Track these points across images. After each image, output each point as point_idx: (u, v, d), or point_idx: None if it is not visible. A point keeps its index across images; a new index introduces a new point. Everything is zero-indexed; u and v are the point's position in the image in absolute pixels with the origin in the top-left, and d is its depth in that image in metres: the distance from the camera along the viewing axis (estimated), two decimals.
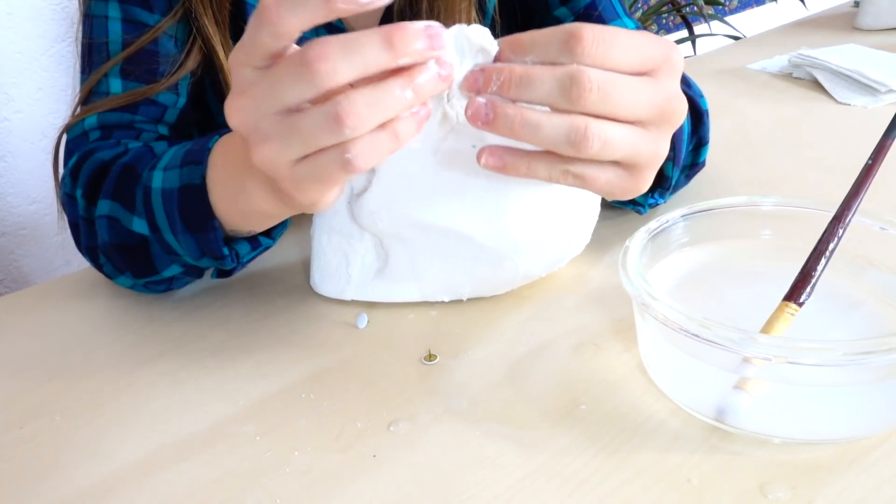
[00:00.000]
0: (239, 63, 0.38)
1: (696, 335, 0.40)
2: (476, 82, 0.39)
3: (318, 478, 0.42)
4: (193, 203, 0.50)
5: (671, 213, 0.51)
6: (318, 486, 0.42)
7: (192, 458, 0.44)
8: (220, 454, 0.45)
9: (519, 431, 0.44)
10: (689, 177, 0.67)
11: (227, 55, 0.64)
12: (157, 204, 0.52)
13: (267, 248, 0.57)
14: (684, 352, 0.43)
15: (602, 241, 0.62)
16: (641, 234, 0.48)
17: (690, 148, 0.64)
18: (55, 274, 1.39)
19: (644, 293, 0.43)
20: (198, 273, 0.58)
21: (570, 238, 0.54)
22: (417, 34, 0.35)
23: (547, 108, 0.39)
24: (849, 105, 0.90)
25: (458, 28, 0.40)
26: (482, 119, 0.39)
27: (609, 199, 0.46)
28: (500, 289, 0.56)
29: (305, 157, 0.38)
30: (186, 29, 0.65)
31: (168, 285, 0.59)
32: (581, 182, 0.41)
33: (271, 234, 0.56)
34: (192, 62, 0.65)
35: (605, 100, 0.38)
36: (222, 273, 0.57)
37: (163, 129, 0.65)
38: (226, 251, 0.52)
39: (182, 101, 0.66)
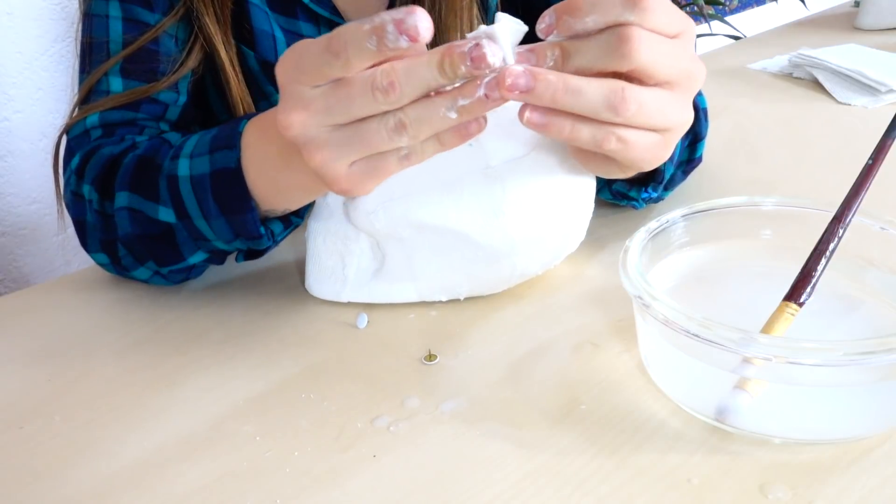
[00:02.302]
0: (296, 81, 0.41)
1: (697, 335, 0.40)
2: (529, 61, 0.41)
3: (318, 478, 0.42)
4: (229, 187, 0.51)
5: (671, 213, 0.51)
6: (318, 486, 0.42)
7: (192, 458, 0.44)
8: (220, 454, 0.45)
9: (519, 431, 0.44)
10: (686, 172, 0.67)
11: (228, 54, 0.65)
12: (185, 191, 0.53)
13: (297, 226, 0.58)
14: (684, 352, 0.43)
15: (601, 241, 0.62)
16: (641, 234, 0.48)
17: (686, 144, 0.64)
18: (55, 274, 1.39)
19: (644, 293, 0.43)
20: (221, 259, 0.59)
21: (566, 235, 0.54)
22: (462, 58, 0.38)
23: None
24: (849, 105, 0.90)
25: (500, 25, 0.41)
26: (521, 88, 0.40)
27: (638, 169, 0.46)
28: (497, 287, 0.56)
29: (361, 158, 0.43)
30: (187, 28, 0.65)
31: (187, 274, 0.60)
32: (623, 146, 0.42)
33: (300, 213, 0.57)
34: (192, 61, 0.65)
35: (651, 56, 0.39)
36: (250, 255, 0.58)
37: (165, 127, 0.65)
38: (262, 230, 0.53)
39: (182, 98, 0.66)
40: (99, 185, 0.58)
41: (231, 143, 0.51)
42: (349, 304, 0.57)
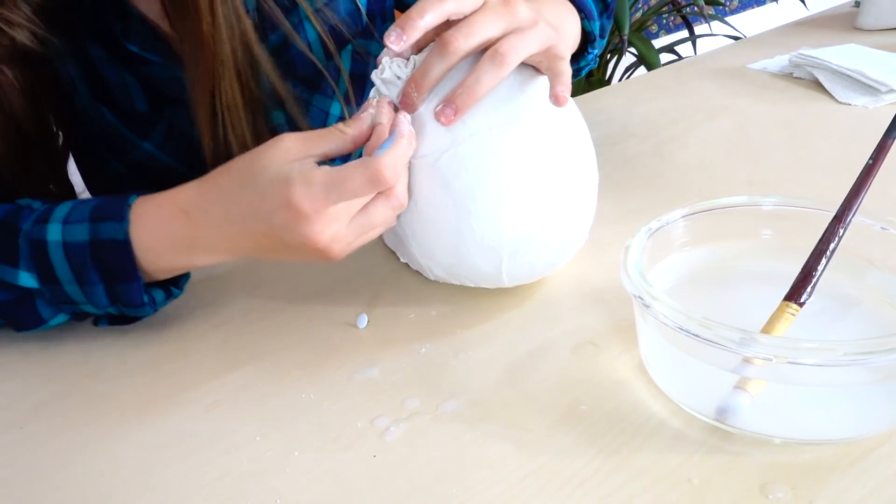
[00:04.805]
0: (326, 206, 0.46)
1: (697, 335, 0.40)
2: (410, 98, 0.50)
3: (318, 478, 0.42)
4: (114, 257, 0.51)
5: (671, 213, 0.51)
6: (318, 486, 0.42)
7: (192, 458, 0.44)
8: (220, 454, 0.45)
9: (519, 431, 0.44)
10: (609, 17, 0.77)
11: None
12: (56, 257, 0.51)
13: (177, 296, 0.58)
14: (684, 352, 0.43)
15: (602, 241, 0.62)
16: (641, 234, 0.48)
17: None
18: None
19: (644, 293, 0.43)
20: (83, 319, 0.56)
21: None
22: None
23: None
24: (849, 105, 0.90)
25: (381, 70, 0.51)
26: (452, 117, 0.49)
27: (563, 54, 0.52)
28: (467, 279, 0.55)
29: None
30: None
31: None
32: (503, 57, 0.48)
33: (179, 284, 0.57)
34: None
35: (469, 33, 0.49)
36: (118, 321, 0.56)
37: None
38: (146, 299, 0.53)
39: None
40: None
41: (118, 216, 0.51)
42: (349, 303, 0.57)
